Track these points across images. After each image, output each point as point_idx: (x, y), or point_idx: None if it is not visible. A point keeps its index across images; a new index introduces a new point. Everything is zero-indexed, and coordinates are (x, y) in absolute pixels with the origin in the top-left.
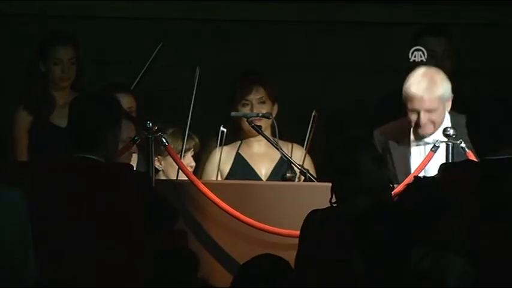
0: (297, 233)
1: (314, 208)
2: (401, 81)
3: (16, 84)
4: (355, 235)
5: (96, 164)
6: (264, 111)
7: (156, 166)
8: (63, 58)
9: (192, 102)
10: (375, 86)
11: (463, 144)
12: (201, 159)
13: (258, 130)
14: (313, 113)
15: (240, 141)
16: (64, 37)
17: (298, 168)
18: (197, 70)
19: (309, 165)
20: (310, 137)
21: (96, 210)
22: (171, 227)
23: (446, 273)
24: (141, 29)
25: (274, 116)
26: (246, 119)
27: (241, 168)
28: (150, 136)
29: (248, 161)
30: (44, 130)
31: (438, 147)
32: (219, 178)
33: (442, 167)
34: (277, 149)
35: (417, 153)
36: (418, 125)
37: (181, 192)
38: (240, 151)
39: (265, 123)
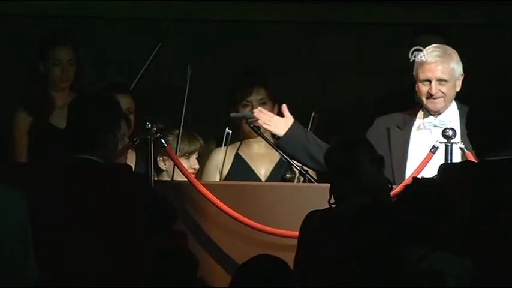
0: (296, 233)
1: (313, 209)
2: (401, 81)
3: (16, 85)
4: (354, 235)
5: (95, 165)
6: None
7: (161, 166)
8: (62, 59)
9: (185, 100)
10: (375, 86)
11: (462, 145)
12: (201, 160)
13: (257, 131)
14: (313, 114)
15: (239, 142)
16: (63, 38)
17: (297, 169)
18: (189, 68)
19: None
20: None
21: (96, 210)
22: (170, 227)
23: (446, 274)
24: (141, 29)
25: None
26: (245, 120)
27: (241, 169)
28: (150, 137)
29: (247, 161)
30: (43, 131)
31: (437, 148)
32: (218, 179)
33: (442, 168)
34: (276, 150)
35: (420, 137)
36: (428, 96)
37: (180, 193)
38: (239, 152)
39: None
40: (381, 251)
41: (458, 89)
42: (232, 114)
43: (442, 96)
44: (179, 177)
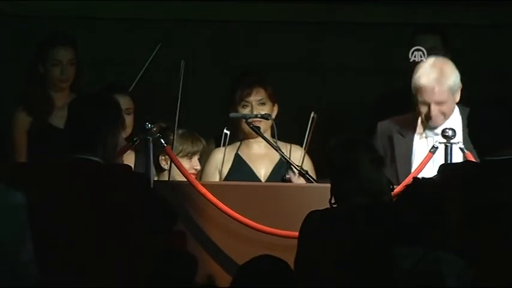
0: (296, 234)
1: (313, 209)
2: (401, 81)
3: (16, 85)
4: (354, 236)
5: (95, 165)
6: (263, 113)
7: (162, 166)
8: (62, 59)
9: (179, 97)
10: (374, 86)
11: (461, 145)
12: (201, 160)
13: (257, 131)
14: (312, 115)
15: (239, 142)
16: (63, 38)
17: (297, 169)
18: (182, 63)
19: (308, 166)
20: (309, 138)
21: (95, 210)
22: (170, 227)
23: (445, 274)
24: (141, 29)
25: (274, 117)
26: (245, 120)
27: (241, 169)
28: (149, 137)
29: (247, 162)
30: (42, 131)
31: (437, 148)
32: (218, 179)
33: (442, 168)
34: (276, 150)
35: (423, 146)
36: (428, 117)
37: (180, 193)
38: (239, 152)
39: (264, 125)
40: (381, 251)
41: (457, 100)
42: (232, 114)
43: (442, 114)
44: (179, 177)
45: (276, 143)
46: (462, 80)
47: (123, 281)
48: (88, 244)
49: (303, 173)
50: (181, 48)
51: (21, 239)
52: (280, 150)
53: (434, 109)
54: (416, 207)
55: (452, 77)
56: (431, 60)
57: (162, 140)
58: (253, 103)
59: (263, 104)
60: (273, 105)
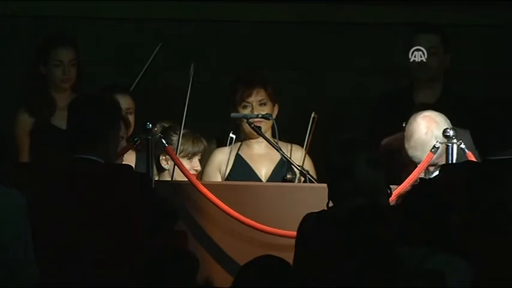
0: None
1: (314, 209)
2: (401, 81)
3: (16, 85)
4: (349, 238)
5: (96, 165)
6: (264, 113)
7: (163, 165)
8: (63, 60)
9: (187, 99)
10: (374, 86)
11: (462, 146)
12: (202, 161)
13: (258, 131)
14: (313, 115)
15: (240, 143)
16: (64, 38)
17: (298, 169)
18: (192, 67)
19: (308, 166)
20: (310, 138)
21: (96, 210)
22: (171, 227)
23: (446, 274)
24: (142, 29)
25: (274, 117)
26: (246, 120)
27: (242, 170)
28: (150, 137)
29: (248, 162)
30: (45, 132)
31: (438, 148)
32: (219, 179)
33: (443, 168)
34: (277, 150)
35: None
36: None
37: (181, 193)
38: (240, 152)
39: (265, 125)
40: (378, 252)
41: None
42: (233, 115)
43: (433, 166)
44: (180, 177)
45: (276, 143)
46: (462, 79)
47: (124, 280)
48: (89, 244)
49: (303, 173)
50: (182, 48)
51: (22, 239)
52: (281, 150)
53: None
54: (418, 208)
55: (440, 134)
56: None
57: (163, 140)
58: (254, 103)
59: (264, 104)
60: (274, 106)
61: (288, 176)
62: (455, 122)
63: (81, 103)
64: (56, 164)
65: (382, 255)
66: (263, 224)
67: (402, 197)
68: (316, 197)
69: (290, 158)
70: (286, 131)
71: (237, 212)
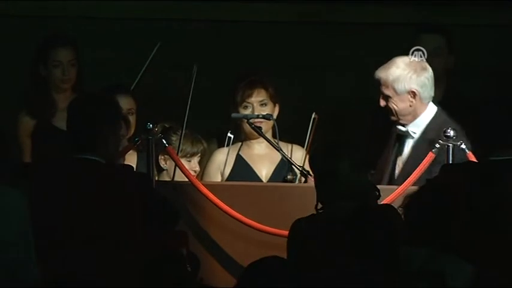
0: None
1: (314, 208)
2: None
3: (17, 85)
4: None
5: (96, 165)
6: (264, 113)
7: (161, 165)
8: (63, 60)
9: (189, 99)
10: (374, 86)
11: (463, 146)
12: (202, 160)
13: (258, 131)
14: (313, 116)
15: (240, 143)
16: (63, 38)
17: (298, 169)
18: (194, 67)
19: (309, 166)
20: (310, 138)
21: (97, 210)
22: (172, 227)
23: (448, 275)
24: (142, 29)
25: (275, 117)
26: (246, 121)
27: (242, 170)
28: (151, 137)
29: (249, 162)
30: (47, 133)
31: (439, 148)
32: (220, 179)
33: (444, 168)
34: (278, 150)
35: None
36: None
37: (181, 193)
38: (240, 152)
39: (266, 125)
40: (382, 252)
41: (415, 103)
42: (234, 115)
43: (392, 110)
44: (180, 177)
45: (277, 143)
46: (462, 79)
47: (124, 280)
48: (90, 244)
49: (304, 174)
50: (182, 48)
51: (22, 239)
52: (282, 151)
53: (382, 101)
54: (418, 208)
55: (399, 74)
56: (406, 59)
57: (163, 140)
58: (255, 104)
59: (264, 104)
60: (274, 106)
61: (289, 176)
62: (457, 123)
63: (80, 103)
64: (56, 164)
65: (384, 256)
66: (263, 224)
67: (405, 198)
68: (316, 197)
69: (291, 158)
70: (286, 131)
71: (237, 212)
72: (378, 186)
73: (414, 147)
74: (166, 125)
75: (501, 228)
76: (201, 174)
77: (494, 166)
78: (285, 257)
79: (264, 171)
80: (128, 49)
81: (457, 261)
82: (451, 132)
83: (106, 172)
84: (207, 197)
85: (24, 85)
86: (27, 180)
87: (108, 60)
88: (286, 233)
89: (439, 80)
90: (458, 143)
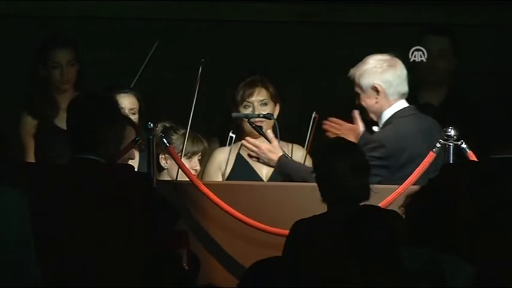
0: None
1: (314, 208)
2: None
3: (17, 85)
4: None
5: (96, 165)
6: (265, 113)
7: (162, 164)
8: (61, 61)
9: (195, 96)
10: None
11: (464, 145)
12: (202, 160)
13: (259, 131)
14: (314, 115)
15: (241, 142)
16: (61, 39)
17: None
18: (200, 68)
19: (309, 166)
20: (311, 138)
21: (97, 210)
22: (172, 227)
23: (448, 275)
24: (142, 29)
25: (275, 116)
26: (247, 120)
27: (242, 169)
28: (152, 137)
29: (249, 161)
30: (49, 133)
31: (439, 147)
32: (220, 179)
33: (444, 168)
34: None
35: None
36: None
37: (182, 193)
38: (241, 152)
39: (267, 124)
40: (383, 253)
41: (381, 102)
42: (234, 114)
43: (365, 107)
44: (181, 176)
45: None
46: (462, 79)
47: (124, 280)
48: (90, 243)
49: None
50: (182, 48)
51: (22, 239)
52: (282, 150)
53: (356, 99)
54: (418, 208)
55: (365, 71)
56: (379, 56)
57: (164, 140)
58: (255, 103)
59: (265, 104)
60: (275, 105)
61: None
62: (459, 123)
63: (80, 103)
64: (56, 164)
65: (385, 256)
66: (264, 224)
67: (406, 198)
68: (317, 196)
69: (291, 157)
70: (287, 131)
71: (238, 211)
72: (378, 186)
73: None
74: (167, 125)
75: (501, 228)
76: (201, 174)
77: (495, 165)
78: None
79: (265, 170)
80: (128, 49)
81: (457, 261)
82: (452, 132)
83: (106, 172)
84: (207, 197)
85: (25, 85)
86: (27, 180)
87: (108, 60)
88: (286, 232)
89: (442, 82)
90: (459, 143)
